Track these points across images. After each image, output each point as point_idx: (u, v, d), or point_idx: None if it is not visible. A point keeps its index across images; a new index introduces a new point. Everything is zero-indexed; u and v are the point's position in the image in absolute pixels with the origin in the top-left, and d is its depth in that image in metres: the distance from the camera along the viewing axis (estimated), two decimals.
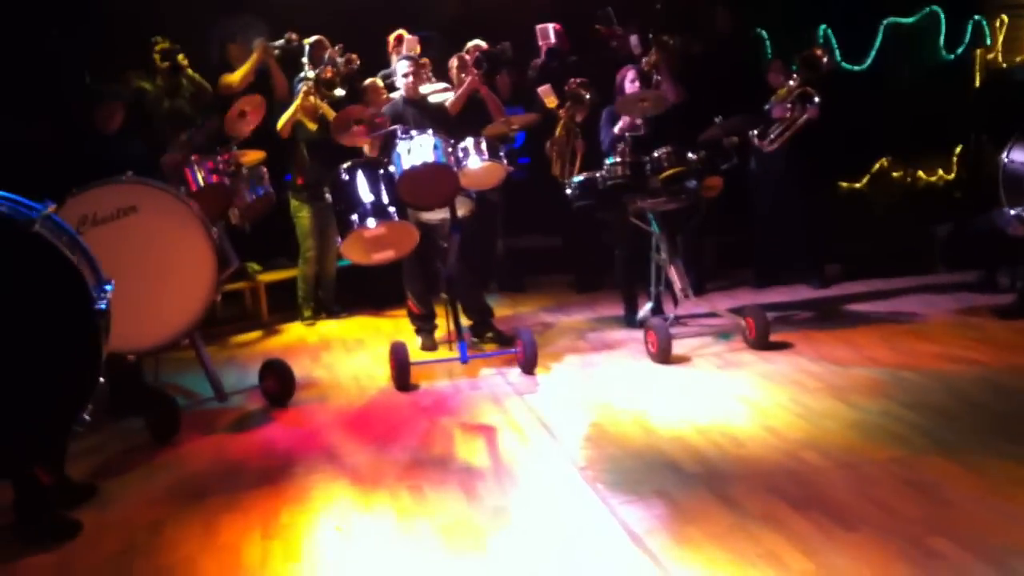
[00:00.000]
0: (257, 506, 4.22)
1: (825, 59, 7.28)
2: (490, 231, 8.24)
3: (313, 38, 7.97)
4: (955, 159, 9.43)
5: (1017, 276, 7.38)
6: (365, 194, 5.72)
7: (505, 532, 3.79)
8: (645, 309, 7.02)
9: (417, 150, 5.69)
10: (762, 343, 6.18)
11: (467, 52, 7.73)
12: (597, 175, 6.27)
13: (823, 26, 9.14)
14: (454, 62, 7.77)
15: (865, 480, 4.00)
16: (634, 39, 8.05)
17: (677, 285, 6.41)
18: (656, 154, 6.18)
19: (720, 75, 7.73)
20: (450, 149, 5.82)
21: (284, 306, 8.36)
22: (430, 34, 8.49)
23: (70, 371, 3.65)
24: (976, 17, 9.47)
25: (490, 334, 6.84)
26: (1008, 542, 3.36)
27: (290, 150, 7.88)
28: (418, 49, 7.71)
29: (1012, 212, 6.29)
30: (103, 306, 3.66)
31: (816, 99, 7.27)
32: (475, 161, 5.84)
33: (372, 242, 5.81)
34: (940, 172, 9.41)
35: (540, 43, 8.65)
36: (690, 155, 6.17)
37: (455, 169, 5.78)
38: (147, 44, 7.62)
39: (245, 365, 6.69)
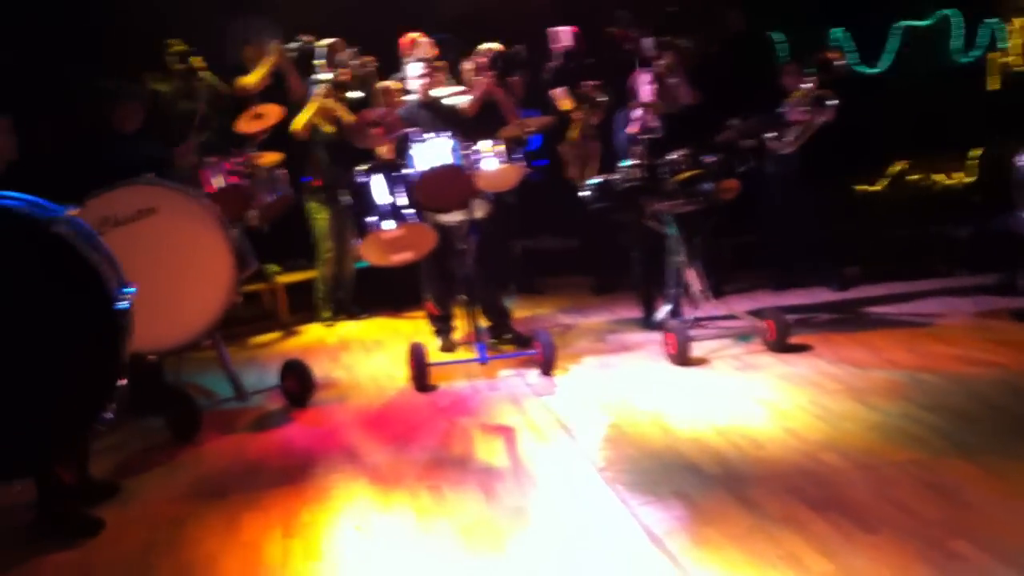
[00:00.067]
0: (278, 505, 4.24)
1: (840, 62, 7.28)
2: (507, 233, 8.25)
3: (328, 40, 8.01)
4: (973, 162, 9.40)
5: None
6: (383, 196, 5.74)
7: (524, 532, 3.79)
8: (663, 311, 7.01)
9: (433, 152, 5.71)
10: (781, 345, 6.17)
11: (482, 55, 7.75)
12: (613, 177, 6.28)
13: (838, 29, 9.13)
14: (469, 65, 7.79)
15: (885, 482, 3.99)
16: (648, 41, 8.05)
17: (695, 287, 6.41)
18: (672, 156, 6.18)
19: (735, 77, 7.73)
20: (466, 151, 5.83)
21: (303, 307, 8.41)
22: (445, 37, 8.51)
23: (92, 371, 3.66)
24: (991, 20, 9.44)
25: (508, 335, 6.85)
26: None
27: (307, 152, 7.92)
28: (433, 52, 7.75)
29: None
30: (125, 306, 3.68)
31: (832, 102, 7.25)
32: (491, 163, 5.86)
33: (390, 243, 5.83)
34: (959, 175, 9.38)
35: (555, 46, 8.66)
36: (706, 157, 6.18)
37: (471, 171, 5.80)
38: (162, 46, 7.68)
39: (265, 365, 6.72)
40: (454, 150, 5.73)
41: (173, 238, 5.20)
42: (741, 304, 7.34)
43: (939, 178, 9.31)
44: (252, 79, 7.88)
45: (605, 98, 7.74)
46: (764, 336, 6.29)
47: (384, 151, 6.49)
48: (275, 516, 4.12)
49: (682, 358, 6.02)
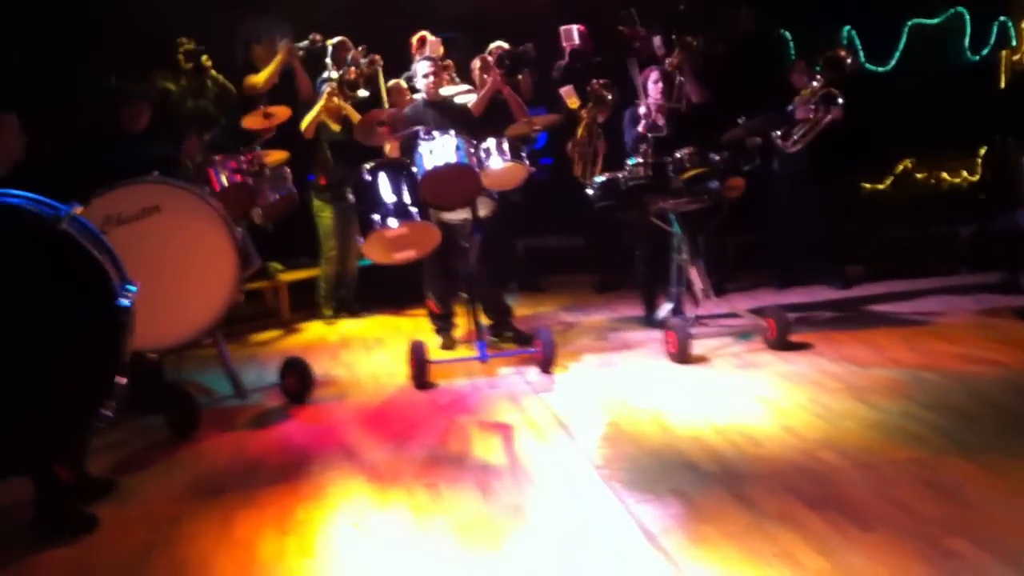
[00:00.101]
0: (274, 502, 4.23)
1: (849, 60, 7.25)
2: (510, 231, 8.25)
3: (336, 39, 8.03)
4: (979, 160, 9.36)
5: None
6: (387, 194, 5.74)
7: (521, 530, 3.79)
8: (665, 309, 7.00)
9: (439, 151, 5.70)
10: (782, 344, 6.16)
11: (490, 53, 7.75)
12: (619, 176, 6.27)
13: (847, 27, 9.10)
14: (477, 63, 7.79)
15: (883, 480, 3.98)
16: (657, 40, 8.05)
17: (698, 285, 6.40)
18: (678, 155, 6.18)
19: (743, 75, 7.72)
20: (472, 150, 5.82)
21: (305, 305, 8.41)
22: (454, 35, 8.53)
23: (93, 368, 3.66)
24: (1002, 18, 9.41)
25: (509, 333, 6.85)
26: None
27: (313, 150, 7.93)
28: (441, 51, 7.75)
29: None
30: (127, 304, 3.69)
31: (840, 100, 7.23)
32: (497, 162, 5.86)
33: (394, 242, 5.83)
34: (964, 173, 9.35)
35: (564, 44, 8.66)
36: (712, 156, 6.16)
37: (477, 170, 5.80)
38: (172, 45, 7.69)
39: (265, 363, 6.72)
40: (459, 148, 5.73)
41: (177, 236, 5.20)
42: (743, 302, 7.34)
43: (945, 176, 9.26)
44: (261, 78, 7.90)
45: (611, 96, 7.72)
46: (765, 334, 6.28)
47: (389, 149, 6.49)
48: (271, 514, 4.11)
49: (682, 356, 6.01)
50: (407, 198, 5.74)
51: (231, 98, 7.89)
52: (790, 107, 7.48)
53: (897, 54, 9.24)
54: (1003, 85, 9.55)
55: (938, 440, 4.41)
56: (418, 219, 5.75)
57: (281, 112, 6.96)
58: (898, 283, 7.98)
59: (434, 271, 6.85)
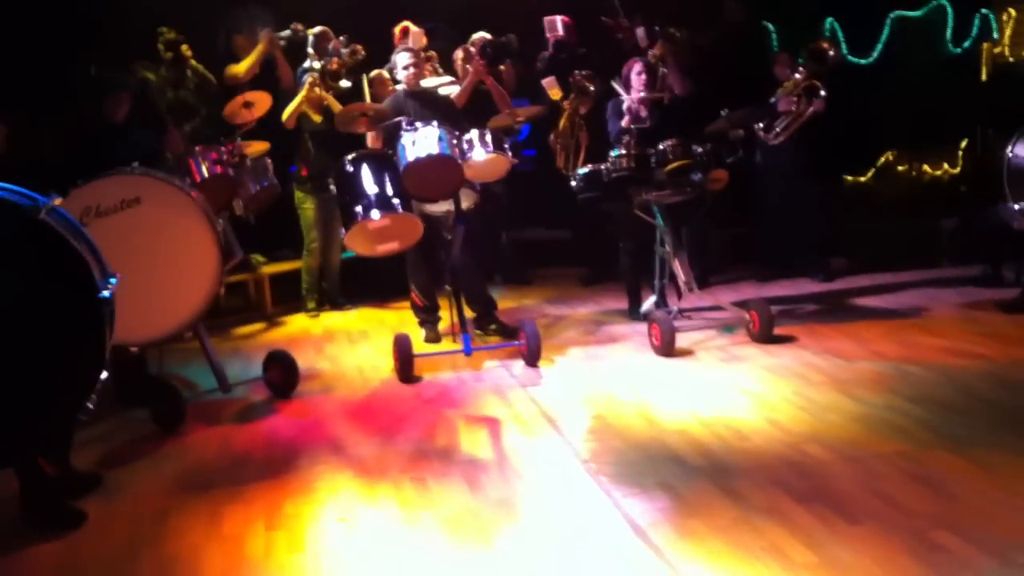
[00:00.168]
0: (261, 497, 4.22)
1: (832, 52, 7.26)
2: (494, 223, 8.23)
3: (318, 29, 7.98)
4: (961, 153, 9.41)
5: (1022, 270, 7.38)
6: (370, 186, 5.70)
7: (508, 524, 3.78)
8: (649, 302, 7.02)
9: (422, 142, 5.67)
10: (766, 336, 6.17)
11: (472, 44, 7.72)
12: (602, 167, 6.26)
13: (830, 19, 9.12)
14: (459, 54, 7.76)
15: (869, 474, 3.99)
16: (640, 31, 8.04)
17: (681, 278, 6.41)
18: (661, 146, 6.18)
19: (726, 68, 7.72)
20: (455, 141, 5.80)
21: (288, 298, 8.37)
22: (436, 26, 8.49)
23: (74, 360, 3.63)
24: (983, 11, 9.45)
25: (494, 326, 6.84)
26: (1013, 536, 3.35)
27: (295, 141, 7.88)
28: (424, 41, 7.71)
29: (1016, 206, 6.28)
30: (107, 295, 3.65)
31: (822, 92, 7.24)
32: (480, 153, 5.83)
33: (376, 234, 5.80)
34: (946, 166, 9.40)
35: (548, 35, 8.63)
36: (696, 148, 6.16)
37: (460, 161, 5.77)
38: (153, 35, 7.62)
39: (249, 356, 6.69)
40: (442, 140, 5.70)
41: (157, 228, 5.14)
42: (727, 295, 7.36)
43: (927, 169, 9.30)
44: (242, 68, 7.84)
45: (594, 88, 7.71)
46: (749, 327, 6.30)
47: (371, 140, 6.45)
48: (259, 508, 4.09)
49: (667, 349, 6.02)
50: (390, 190, 5.71)
51: (211, 88, 7.84)
52: (772, 99, 7.49)
53: (880, 46, 9.26)
54: (984, 78, 9.58)
55: (923, 434, 4.43)
56: (401, 211, 5.72)
57: (262, 98, 6.90)
58: (881, 276, 8.02)
59: (417, 263, 6.83)
